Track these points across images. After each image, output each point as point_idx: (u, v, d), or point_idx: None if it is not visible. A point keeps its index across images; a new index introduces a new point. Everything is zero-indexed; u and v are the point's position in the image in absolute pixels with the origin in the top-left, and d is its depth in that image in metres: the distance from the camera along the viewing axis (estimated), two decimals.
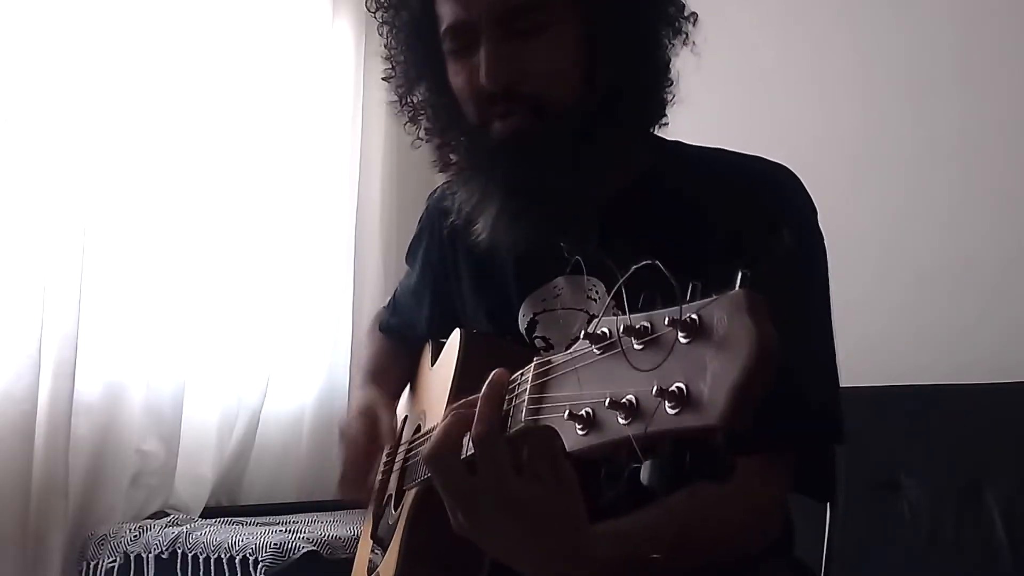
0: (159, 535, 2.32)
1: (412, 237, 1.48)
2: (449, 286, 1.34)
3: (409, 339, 1.48)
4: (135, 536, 2.35)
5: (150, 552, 2.30)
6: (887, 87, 2.56)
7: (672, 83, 1.15)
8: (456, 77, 1.13)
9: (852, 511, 1.95)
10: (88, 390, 2.50)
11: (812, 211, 1.13)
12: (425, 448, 0.85)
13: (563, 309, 1.16)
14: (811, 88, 2.69)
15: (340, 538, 2.22)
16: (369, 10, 1.22)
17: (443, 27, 1.12)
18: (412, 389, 1.46)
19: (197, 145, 2.72)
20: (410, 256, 1.49)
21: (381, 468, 1.38)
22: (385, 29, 1.21)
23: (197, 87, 2.72)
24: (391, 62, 1.22)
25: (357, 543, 1.44)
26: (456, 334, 1.21)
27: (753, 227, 1.05)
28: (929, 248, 2.45)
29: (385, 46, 1.22)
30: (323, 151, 3.02)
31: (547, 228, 1.11)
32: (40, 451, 2.37)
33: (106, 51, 2.54)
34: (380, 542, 1.27)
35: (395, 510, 1.24)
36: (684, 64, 1.17)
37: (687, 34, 1.15)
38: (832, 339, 1.12)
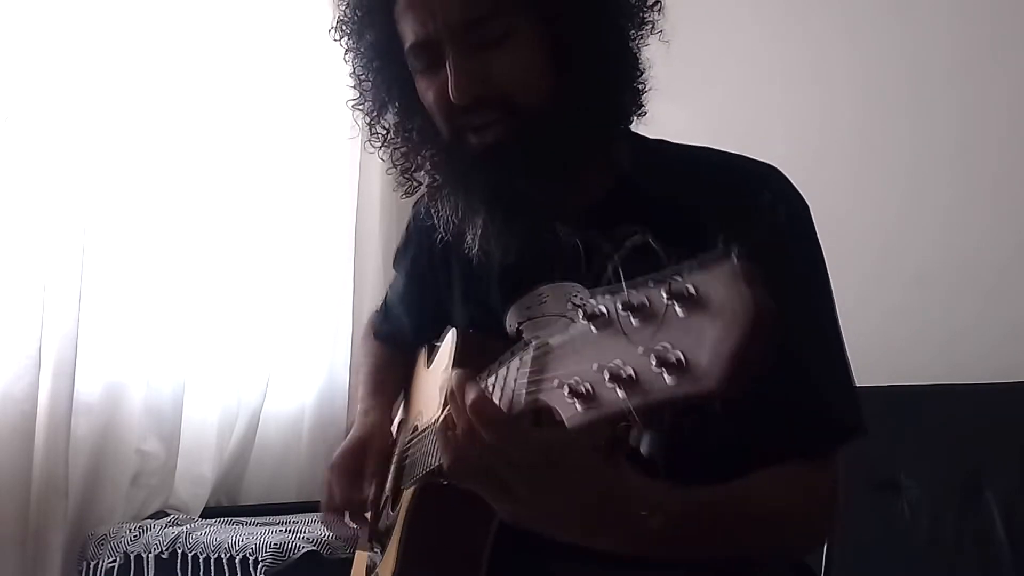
0: (159, 535, 2.32)
1: (399, 243, 1.48)
2: (439, 294, 1.34)
3: (403, 345, 1.48)
4: (135, 536, 2.35)
5: (150, 552, 2.30)
6: (886, 87, 2.56)
7: (643, 73, 1.15)
8: (426, 94, 1.13)
9: (852, 511, 1.95)
10: (88, 390, 2.50)
11: (803, 207, 1.13)
12: (445, 458, 0.87)
13: (546, 316, 1.16)
14: (810, 88, 2.68)
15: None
16: (333, 39, 1.22)
17: (407, 46, 1.12)
18: (408, 391, 1.46)
19: (197, 145, 2.72)
20: (397, 263, 1.49)
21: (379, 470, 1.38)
22: (350, 56, 1.21)
23: (197, 88, 2.73)
24: (358, 89, 1.22)
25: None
26: (451, 334, 1.21)
27: (740, 224, 1.05)
28: (928, 248, 2.45)
29: (351, 74, 1.22)
30: (323, 151, 3.02)
31: (533, 235, 1.11)
32: (40, 451, 2.37)
33: (106, 51, 2.54)
34: (379, 542, 1.27)
35: (393, 510, 1.25)
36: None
37: (653, 23, 1.15)
38: (840, 333, 1.12)
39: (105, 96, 2.54)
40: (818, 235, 1.13)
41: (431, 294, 1.36)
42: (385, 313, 1.55)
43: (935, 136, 2.47)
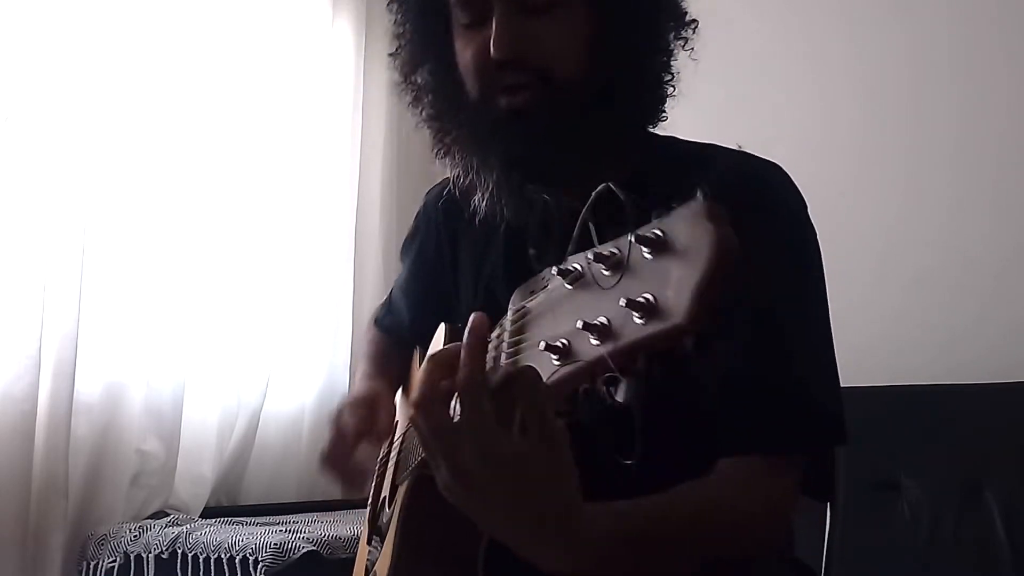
0: (159, 535, 2.32)
1: (407, 233, 1.48)
2: (443, 282, 1.34)
3: (402, 338, 1.49)
4: (135, 536, 2.35)
5: (150, 552, 2.30)
6: (886, 86, 2.56)
7: (673, 77, 1.16)
8: (464, 51, 1.14)
9: (852, 511, 1.95)
10: (88, 390, 2.50)
11: (801, 205, 1.14)
12: (411, 395, 0.85)
13: None
14: (810, 87, 2.68)
15: (340, 538, 2.22)
16: None
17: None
18: (404, 389, 1.46)
19: (197, 145, 2.72)
20: (404, 252, 1.49)
21: (376, 469, 1.38)
22: (395, 6, 1.22)
23: (197, 87, 2.73)
24: (399, 39, 1.23)
25: (357, 543, 1.44)
26: (441, 329, 1.21)
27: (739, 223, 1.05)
28: (928, 249, 2.44)
29: (395, 22, 1.23)
30: (323, 151, 3.03)
31: (544, 201, 1.11)
32: (40, 451, 2.38)
33: (106, 51, 2.55)
34: (378, 541, 1.27)
35: (390, 508, 1.25)
36: (684, 61, 1.17)
37: (687, 39, 1.17)
38: (830, 335, 1.11)
39: (105, 96, 2.54)
40: (816, 236, 1.13)
41: (435, 285, 1.36)
42: (389, 305, 1.55)
43: (935, 136, 2.47)
